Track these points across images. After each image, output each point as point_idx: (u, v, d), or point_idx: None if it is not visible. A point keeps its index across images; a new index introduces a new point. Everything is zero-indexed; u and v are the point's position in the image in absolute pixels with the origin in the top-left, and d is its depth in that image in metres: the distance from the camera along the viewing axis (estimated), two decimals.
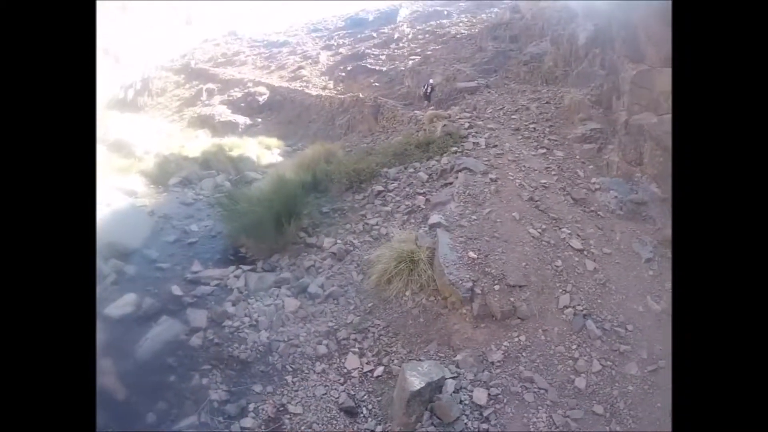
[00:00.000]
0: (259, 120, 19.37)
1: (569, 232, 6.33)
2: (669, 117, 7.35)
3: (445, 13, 24.42)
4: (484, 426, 4.11)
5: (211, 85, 24.13)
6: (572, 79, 11.64)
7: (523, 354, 4.88)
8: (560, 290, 5.47)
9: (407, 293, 5.47)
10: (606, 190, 7.44)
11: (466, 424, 4.09)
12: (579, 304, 5.34)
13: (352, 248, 6.65)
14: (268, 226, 6.71)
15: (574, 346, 4.97)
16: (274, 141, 15.42)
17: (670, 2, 2.12)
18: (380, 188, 7.50)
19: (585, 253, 6.11)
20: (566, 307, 5.29)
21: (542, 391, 4.51)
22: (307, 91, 19.31)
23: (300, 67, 23.23)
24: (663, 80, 7.62)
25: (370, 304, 5.61)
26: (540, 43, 14.99)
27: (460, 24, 21.76)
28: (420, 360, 4.73)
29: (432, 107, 12.61)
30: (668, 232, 6.48)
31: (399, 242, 5.82)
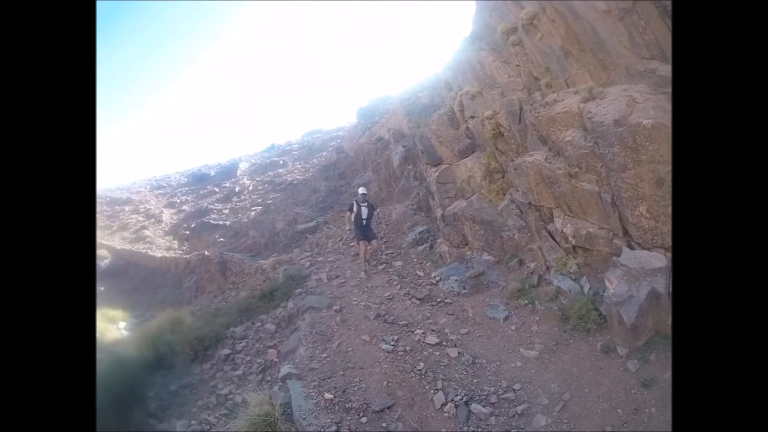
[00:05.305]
0: (102, 288, 16.78)
1: (422, 331, 6.52)
2: (476, 197, 8.90)
3: (281, 162, 26.53)
4: None
5: None
6: (395, 196, 13.49)
7: None
8: (431, 391, 5.35)
9: None
10: (446, 279, 8.15)
11: None
12: (456, 395, 5.24)
13: (208, 427, 5.73)
14: (108, 418, 5.53)
15: None
16: (119, 313, 13.49)
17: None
18: (228, 351, 6.82)
19: (444, 343, 6.29)
20: (444, 404, 5.14)
21: None
22: (151, 253, 17.80)
23: (143, 227, 21.60)
24: (460, 171, 9.45)
25: None
26: (364, 174, 17.31)
27: (295, 171, 23.85)
28: None
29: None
30: (513, 285, 7.21)
31: (255, 407, 5.16)
